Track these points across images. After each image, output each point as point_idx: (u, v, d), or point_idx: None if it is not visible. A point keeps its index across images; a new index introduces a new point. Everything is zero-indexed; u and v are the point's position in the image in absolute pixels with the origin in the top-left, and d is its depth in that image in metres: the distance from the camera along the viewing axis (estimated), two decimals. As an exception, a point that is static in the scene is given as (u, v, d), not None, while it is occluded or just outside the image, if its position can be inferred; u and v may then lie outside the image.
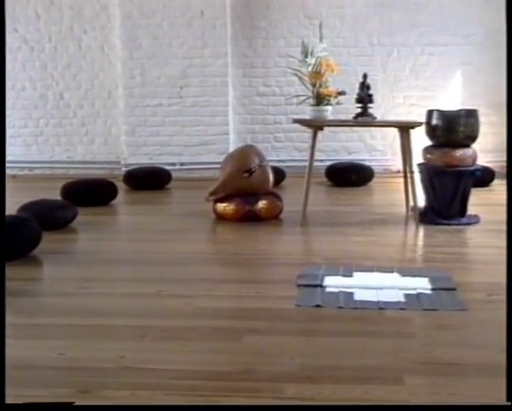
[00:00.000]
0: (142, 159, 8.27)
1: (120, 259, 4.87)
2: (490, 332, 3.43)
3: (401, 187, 6.10)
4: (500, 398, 2.72)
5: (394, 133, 6.52)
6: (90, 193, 6.69)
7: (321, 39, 6.08)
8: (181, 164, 8.30)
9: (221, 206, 5.88)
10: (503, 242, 5.10)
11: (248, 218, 5.76)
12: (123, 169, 8.28)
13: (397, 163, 7.05)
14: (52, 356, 3.01)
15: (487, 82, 7.99)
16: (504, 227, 5.61)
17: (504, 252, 4.86)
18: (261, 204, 5.81)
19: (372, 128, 7.84)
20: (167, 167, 8.01)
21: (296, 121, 6.06)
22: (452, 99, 7.96)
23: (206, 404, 2.63)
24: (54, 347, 3.12)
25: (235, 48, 8.10)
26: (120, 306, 3.78)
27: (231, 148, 7.72)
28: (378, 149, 8.14)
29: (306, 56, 5.89)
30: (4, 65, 2.97)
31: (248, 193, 5.85)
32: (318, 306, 3.73)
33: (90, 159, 8.75)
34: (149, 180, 7.70)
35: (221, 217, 5.88)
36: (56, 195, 6.43)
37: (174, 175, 7.90)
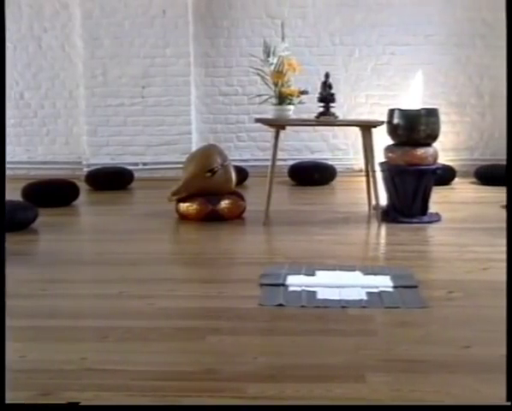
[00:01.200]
0: (104, 159, 8.22)
1: (82, 259, 4.84)
2: (451, 329, 3.47)
3: (364, 185, 6.14)
4: (460, 394, 2.75)
5: (356, 132, 6.55)
6: (51, 193, 6.63)
7: (283, 39, 6.09)
8: (144, 164, 8.26)
9: (183, 206, 5.87)
10: (464, 240, 5.18)
11: (211, 218, 5.76)
12: (85, 169, 8.22)
13: (360, 162, 7.09)
14: (13, 359, 2.98)
15: (447, 82, 8.06)
16: (465, 225, 5.72)
17: (465, 249, 4.94)
18: (224, 203, 5.81)
19: (335, 128, 7.87)
20: (129, 167, 7.97)
21: (259, 120, 6.06)
22: (413, 98, 8.02)
23: (174, 404, 2.62)
24: (15, 349, 3.09)
25: (198, 47, 8.08)
26: (82, 307, 3.75)
27: (194, 148, 7.70)
28: (341, 148, 8.17)
29: (269, 56, 5.90)
30: (4, 65, 2.95)
31: (211, 192, 5.84)
32: (280, 305, 3.74)
33: (51, 160, 8.67)
34: (111, 180, 7.65)
35: (184, 217, 5.86)
36: (17, 196, 6.36)
37: (136, 175, 7.86)
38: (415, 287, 4.02)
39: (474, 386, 2.82)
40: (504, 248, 4.94)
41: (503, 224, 5.69)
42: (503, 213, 6.10)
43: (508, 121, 2.53)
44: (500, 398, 2.70)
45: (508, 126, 2.56)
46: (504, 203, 6.27)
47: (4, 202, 3.29)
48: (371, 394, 2.75)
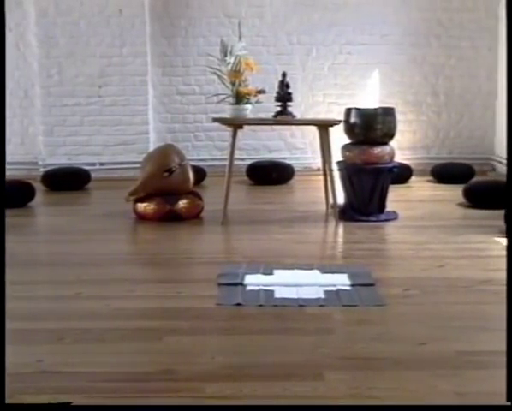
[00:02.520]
0: (61, 159, 8.14)
1: (38, 261, 4.79)
2: (407, 326, 3.50)
3: (321, 184, 6.16)
4: (416, 390, 2.78)
5: (314, 131, 6.58)
6: (6, 194, 6.54)
7: (240, 38, 6.09)
8: (101, 164, 8.20)
9: (141, 206, 5.83)
10: (420, 238, 5.23)
11: (169, 218, 5.73)
12: (41, 169, 8.13)
13: (317, 161, 7.11)
14: (-33, 362, 2.94)
15: (404, 81, 8.13)
16: (422, 223, 5.77)
17: (421, 247, 4.99)
18: (182, 203, 5.79)
19: (293, 127, 7.89)
20: (86, 167, 7.91)
21: (216, 120, 6.06)
22: (370, 98, 8.07)
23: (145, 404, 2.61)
24: (-31, 352, 3.05)
25: (155, 47, 8.04)
26: (38, 309, 3.72)
27: (151, 147, 7.66)
28: (299, 147, 8.20)
29: (226, 55, 5.89)
30: (4, 65, 2.91)
31: (169, 192, 5.82)
32: (238, 304, 3.74)
33: (6, 160, 8.56)
34: (68, 180, 7.58)
35: (141, 217, 5.83)
36: (-29, 197, 6.27)
37: (93, 175, 7.80)
38: (372, 285, 4.05)
39: (430, 382, 2.85)
40: (460, 246, 5.04)
41: (459, 222, 5.80)
42: (459, 211, 6.17)
43: (508, 121, 2.55)
44: (455, 393, 2.74)
45: (508, 126, 2.57)
46: (460, 201, 6.35)
47: (4, 202, 3.25)
48: (329, 392, 2.77)
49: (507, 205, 2.49)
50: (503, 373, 2.99)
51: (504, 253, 4.87)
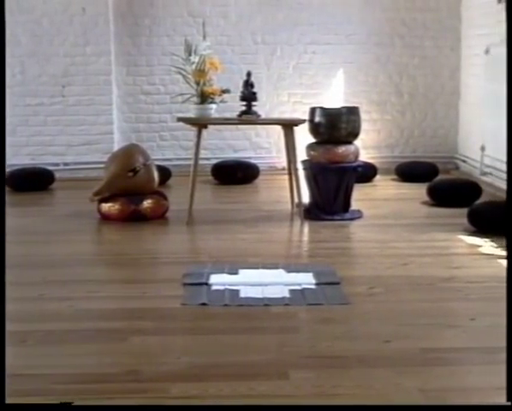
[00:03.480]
0: (24, 160, 8.05)
1: (1, 262, 4.74)
2: (372, 324, 3.52)
3: (287, 184, 6.17)
4: (381, 388, 2.80)
5: (279, 130, 6.59)
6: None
7: (204, 38, 6.07)
8: (65, 165, 8.12)
9: (105, 206, 5.80)
10: (385, 236, 5.26)
11: (134, 218, 5.70)
12: (4, 170, 8.05)
13: (282, 161, 7.11)
14: None
15: (368, 80, 8.16)
16: (386, 221, 5.81)
17: (386, 245, 5.02)
18: (146, 203, 5.76)
19: (258, 126, 7.88)
20: (50, 167, 7.82)
21: (181, 119, 6.04)
22: (335, 97, 8.09)
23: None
24: None
25: (119, 46, 7.99)
26: (0, 310, 3.67)
27: (116, 147, 7.61)
28: (264, 147, 8.19)
29: (190, 55, 5.87)
30: (4, 63, 2.87)
31: (133, 192, 5.79)
32: (203, 304, 3.74)
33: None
34: (31, 181, 7.50)
35: (106, 218, 5.79)
36: None
37: (57, 175, 7.73)
38: (337, 283, 4.07)
39: (395, 379, 2.87)
40: (424, 244, 5.08)
41: (423, 220, 5.84)
42: (423, 209, 6.22)
43: (508, 121, 2.55)
44: (419, 390, 2.76)
45: (508, 126, 2.58)
46: (424, 199, 6.40)
47: (4, 203, 3.22)
48: (294, 391, 2.78)
49: (507, 206, 2.49)
50: (466, 369, 3.04)
51: (468, 250, 4.92)
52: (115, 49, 7.99)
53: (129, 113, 8.12)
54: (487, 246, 4.91)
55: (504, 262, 4.53)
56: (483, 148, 7.07)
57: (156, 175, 6.01)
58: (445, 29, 8.08)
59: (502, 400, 2.75)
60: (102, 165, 6.33)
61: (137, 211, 5.73)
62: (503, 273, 4.30)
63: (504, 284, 4.11)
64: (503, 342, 3.33)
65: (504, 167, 6.66)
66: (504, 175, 6.69)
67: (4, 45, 2.88)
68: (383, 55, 8.14)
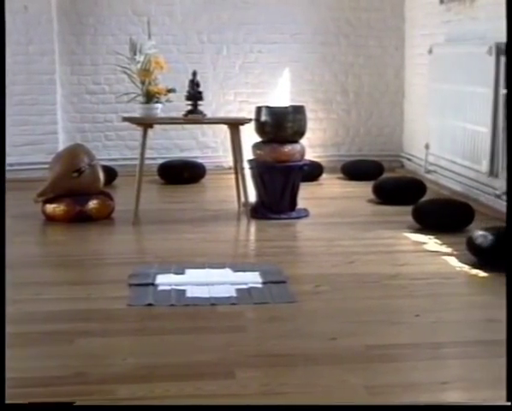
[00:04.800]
0: (-34, 160, 7.92)
1: None
2: (318, 322, 3.55)
3: (233, 183, 6.17)
4: (327, 385, 2.82)
5: (225, 130, 6.58)
6: None
7: (150, 37, 6.05)
8: (9, 165, 8.01)
9: (50, 207, 5.73)
10: (331, 234, 5.30)
11: (79, 219, 5.64)
12: None
13: (229, 160, 7.09)
14: None
15: (314, 79, 8.20)
16: (332, 220, 5.85)
17: (332, 243, 5.06)
18: (92, 204, 5.71)
19: (204, 126, 7.86)
20: (-7, 168, 7.72)
21: (126, 119, 6.00)
22: (281, 96, 8.12)
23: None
24: None
25: (63, 45, 7.90)
26: None
27: (60, 148, 7.51)
28: (210, 146, 8.17)
29: (135, 54, 5.84)
30: (4, 65, 2.81)
31: (78, 193, 5.73)
32: (150, 304, 3.72)
33: None
34: (-26, 182, 7.39)
35: (50, 219, 5.72)
36: None
37: (1, 176, 7.62)
38: (284, 282, 4.08)
39: (341, 377, 2.89)
40: (369, 241, 5.14)
41: (369, 218, 5.90)
42: (369, 207, 6.28)
43: (508, 120, 2.57)
44: (364, 386, 2.79)
45: (508, 125, 2.60)
46: (370, 197, 6.46)
47: (4, 203, 3.15)
48: (240, 390, 2.78)
49: (507, 206, 2.52)
50: (411, 365, 3.08)
51: (413, 247, 4.98)
52: (59, 48, 7.90)
53: (74, 113, 8.03)
54: (432, 243, 4.98)
55: (449, 258, 4.61)
56: (427, 146, 7.15)
57: (101, 175, 5.96)
58: (389, 29, 8.16)
59: (447, 395, 2.80)
60: (46, 166, 6.25)
61: (82, 212, 5.68)
62: (447, 270, 4.39)
63: (448, 280, 4.21)
64: (447, 338, 3.41)
65: (448, 165, 6.76)
66: (448, 173, 6.80)
67: (4, 45, 2.85)
68: (328, 54, 8.19)
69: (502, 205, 5.71)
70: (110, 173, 7.07)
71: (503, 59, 5.66)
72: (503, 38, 5.75)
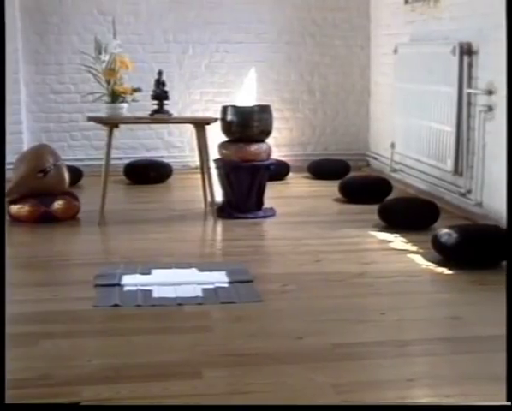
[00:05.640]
0: None
1: None
2: (284, 321, 3.55)
3: (200, 183, 6.15)
4: (294, 384, 2.82)
5: (191, 129, 6.56)
6: None
7: (115, 36, 6.01)
8: (-27, 166, 7.93)
9: (15, 208, 5.68)
10: (298, 233, 5.31)
11: (44, 219, 5.60)
12: None
13: (195, 160, 7.08)
14: None
15: (280, 79, 8.21)
16: (299, 219, 5.86)
17: (298, 242, 5.07)
18: (57, 204, 5.67)
19: (170, 125, 7.85)
20: (-43, 169, 7.64)
21: (91, 119, 5.96)
22: (247, 95, 8.12)
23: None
24: None
25: (26, 44, 7.83)
26: None
27: (25, 148, 7.45)
28: (176, 145, 8.15)
29: (100, 53, 5.80)
30: (4, 65, 2.77)
31: (43, 193, 5.68)
32: (116, 305, 3.70)
33: None
34: None
35: (15, 219, 5.67)
36: None
37: (-36, 176, 7.54)
38: (250, 281, 4.09)
39: (307, 375, 2.90)
40: (336, 240, 5.16)
41: (335, 217, 5.92)
42: (335, 206, 6.30)
43: (508, 120, 2.57)
44: (331, 385, 2.80)
45: (508, 126, 2.60)
46: (336, 196, 6.48)
47: (4, 202, 3.11)
48: (207, 389, 2.78)
49: (507, 206, 2.52)
50: (376, 363, 3.09)
51: (378, 246, 5.01)
52: (22, 47, 7.83)
53: (39, 112, 7.97)
54: (397, 241, 5.01)
55: (414, 257, 4.64)
56: (393, 145, 7.20)
57: (66, 175, 5.92)
58: (355, 28, 8.20)
59: (412, 392, 2.82)
60: (11, 166, 6.19)
61: (48, 213, 5.63)
62: (413, 268, 4.42)
63: (414, 278, 4.25)
64: (413, 335, 3.43)
65: (413, 163, 6.81)
66: (413, 172, 6.84)
67: (4, 45, 2.83)
68: (294, 53, 8.20)
69: (466, 204, 5.77)
70: (76, 173, 7.03)
71: (466, 59, 5.72)
72: (466, 37, 5.84)
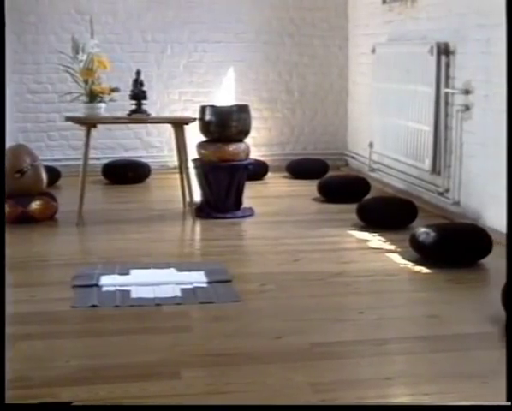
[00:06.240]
0: None
1: None
2: (263, 321, 3.55)
3: (178, 183, 6.14)
4: (273, 383, 2.82)
5: (170, 129, 6.55)
6: None
7: (92, 35, 5.98)
8: (-51, 166, 7.87)
9: (-8, 209, 5.64)
10: (276, 233, 5.32)
11: (22, 220, 5.56)
12: None
13: (174, 160, 7.05)
14: None
15: (258, 78, 8.22)
16: (278, 218, 5.87)
17: (277, 242, 5.08)
18: (35, 205, 5.63)
19: (149, 125, 7.83)
20: None
21: (69, 119, 5.93)
22: (226, 95, 8.12)
23: None
24: None
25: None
26: None
27: (2, 148, 7.42)
28: (155, 145, 8.13)
29: (78, 53, 5.77)
30: (4, 65, 2.73)
31: (21, 194, 5.64)
32: (94, 306, 3.69)
33: None
34: None
35: (-8, 220, 5.63)
36: None
37: None
38: (229, 281, 4.08)
39: (286, 374, 2.91)
40: (314, 240, 5.16)
41: (314, 216, 5.93)
42: (314, 206, 6.31)
43: (508, 120, 2.58)
44: (309, 384, 2.80)
45: (508, 125, 2.60)
46: (315, 196, 6.50)
47: (4, 201, 3.08)
48: (186, 390, 2.78)
49: (507, 207, 2.52)
50: (355, 362, 3.10)
51: (357, 245, 5.03)
52: (-1, 46, 7.77)
53: (16, 112, 7.92)
54: (376, 240, 5.03)
55: (392, 255, 4.66)
56: (371, 145, 7.23)
57: (44, 175, 5.88)
58: (333, 28, 8.22)
59: (391, 390, 2.83)
60: (-13, 166, 6.16)
61: (25, 213, 5.60)
62: (391, 267, 4.44)
63: (392, 277, 4.26)
64: (391, 334, 3.44)
65: (391, 163, 6.84)
66: (391, 171, 6.87)
67: (4, 45, 2.80)
68: (272, 53, 8.21)
69: (444, 203, 5.80)
70: (53, 173, 6.99)
71: (443, 59, 5.75)
72: (443, 37, 5.88)
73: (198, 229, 5.63)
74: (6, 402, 2.36)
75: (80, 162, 5.72)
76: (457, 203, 5.62)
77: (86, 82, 5.73)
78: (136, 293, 3.85)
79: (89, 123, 5.69)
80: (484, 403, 2.59)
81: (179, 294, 3.85)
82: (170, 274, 4.21)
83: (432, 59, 5.80)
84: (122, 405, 2.61)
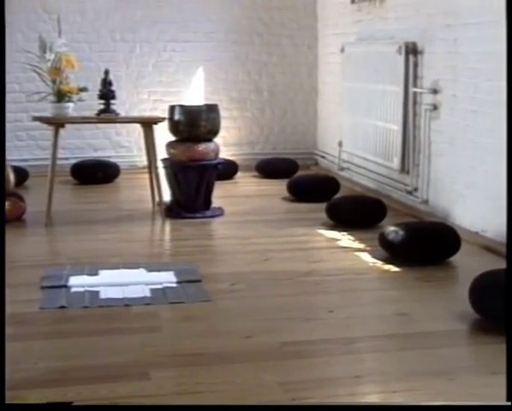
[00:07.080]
0: None
1: None
2: (233, 320, 3.56)
3: (147, 182, 6.11)
4: (242, 383, 2.82)
5: (139, 129, 6.53)
6: None
7: (60, 34, 5.94)
8: None
9: (-41, 210, 5.58)
10: (246, 232, 5.32)
11: (-11, 221, 5.51)
12: None
13: (143, 159, 7.03)
14: None
15: (228, 78, 8.21)
16: (247, 218, 5.87)
17: (247, 241, 5.08)
18: (2, 205, 5.59)
19: (118, 125, 7.79)
20: None
21: (37, 118, 5.88)
22: (195, 95, 8.10)
23: None
24: None
25: (-30, 43, 7.71)
26: None
27: (-31, 148, 7.35)
28: (124, 145, 8.09)
29: (45, 52, 5.73)
30: (4, 65, 2.68)
31: (-12, 194, 5.60)
32: (62, 307, 3.66)
33: None
34: None
35: (-41, 221, 5.57)
36: None
37: None
38: (199, 281, 4.08)
39: (256, 374, 2.91)
40: (284, 239, 5.17)
41: (283, 216, 5.94)
42: (283, 205, 6.32)
43: (508, 120, 2.57)
44: (278, 383, 2.80)
45: (508, 125, 2.60)
46: (284, 195, 6.51)
47: (4, 201, 3.03)
48: (155, 390, 2.77)
49: (507, 207, 2.52)
50: (324, 361, 3.11)
51: (326, 244, 5.04)
52: (-34, 46, 7.70)
53: (-17, 112, 7.83)
54: (345, 239, 5.05)
55: (362, 254, 4.68)
56: (340, 144, 7.25)
57: (12, 176, 5.83)
58: (302, 28, 8.24)
59: (359, 388, 2.84)
60: (-46, 167, 6.10)
61: (-8, 214, 5.54)
62: (360, 265, 4.46)
63: (361, 276, 4.28)
64: (360, 333, 3.46)
65: (361, 162, 6.87)
66: (361, 170, 6.90)
67: (4, 45, 2.77)
68: (242, 53, 8.21)
69: (413, 201, 5.84)
70: (21, 174, 6.92)
71: (411, 58, 5.79)
72: (411, 37, 5.92)
73: (167, 228, 5.61)
74: (6, 402, 2.34)
75: (49, 162, 5.67)
76: (426, 202, 5.66)
77: (53, 82, 5.69)
78: (105, 293, 3.83)
79: (57, 123, 5.65)
80: (484, 403, 2.59)
81: (148, 294, 3.84)
82: (140, 274, 4.19)
83: (401, 59, 5.83)
84: (122, 405, 2.59)
